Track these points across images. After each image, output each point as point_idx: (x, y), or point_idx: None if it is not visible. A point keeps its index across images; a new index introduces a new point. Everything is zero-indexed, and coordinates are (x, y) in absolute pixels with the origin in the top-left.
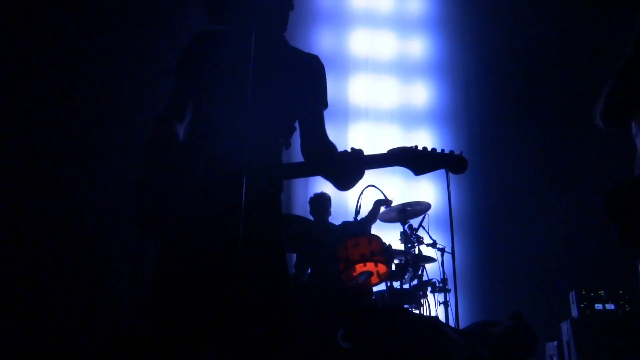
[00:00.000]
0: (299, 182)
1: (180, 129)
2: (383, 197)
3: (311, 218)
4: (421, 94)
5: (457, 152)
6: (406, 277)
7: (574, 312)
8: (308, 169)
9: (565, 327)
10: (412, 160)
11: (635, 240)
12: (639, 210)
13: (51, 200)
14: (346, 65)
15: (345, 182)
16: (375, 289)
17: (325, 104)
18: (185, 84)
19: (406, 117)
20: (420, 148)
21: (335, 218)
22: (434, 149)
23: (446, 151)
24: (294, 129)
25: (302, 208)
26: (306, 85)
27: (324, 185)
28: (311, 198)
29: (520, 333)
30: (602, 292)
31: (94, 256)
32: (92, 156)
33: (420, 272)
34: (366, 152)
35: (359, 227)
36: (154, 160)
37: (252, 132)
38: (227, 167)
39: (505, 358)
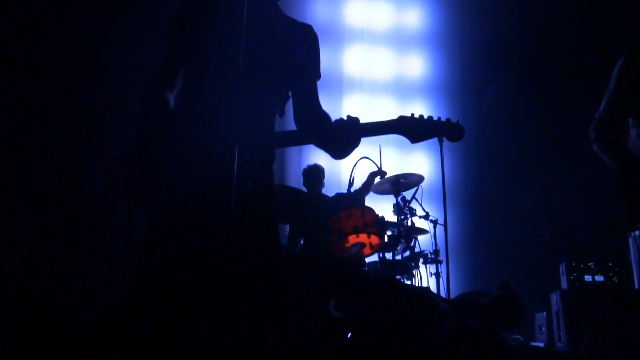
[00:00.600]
0: (292, 153)
1: (171, 97)
2: (377, 169)
3: (304, 189)
4: (416, 65)
5: (448, 117)
6: (399, 248)
7: (564, 284)
8: (303, 137)
9: (554, 298)
10: (409, 128)
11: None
12: None
13: (42, 174)
14: (341, 36)
15: (340, 150)
16: (367, 260)
17: (318, 75)
18: (175, 50)
19: (401, 88)
20: (416, 115)
21: (329, 189)
22: (430, 117)
23: (442, 118)
24: (288, 97)
25: (295, 179)
26: (299, 55)
27: (317, 157)
28: (305, 169)
29: (508, 302)
30: (591, 264)
31: (85, 227)
32: (82, 126)
33: (412, 244)
34: (358, 118)
35: (353, 199)
36: (144, 128)
37: (244, 100)
38: (218, 135)
39: (494, 327)
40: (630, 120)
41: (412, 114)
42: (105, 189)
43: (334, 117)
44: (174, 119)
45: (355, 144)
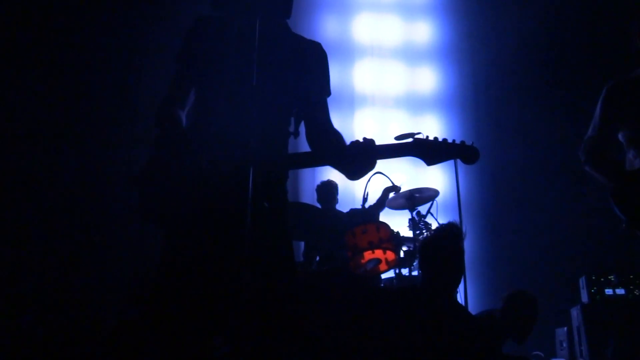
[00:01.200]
0: (305, 170)
1: (183, 115)
2: (391, 184)
3: (318, 206)
4: (428, 79)
5: (465, 140)
6: (415, 264)
7: (584, 298)
8: (318, 159)
9: (575, 312)
10: (424, 150)
11: (637, 227)
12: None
13: (56, 189)
14: (351, 52)
15: (355, 172)
16: (383, 276)
17: (328, 92)
18: (187, 68)
19: (413, 103)
20: (431, 138)
21: (343, 205)
22: (445, 139)
23: (457, 141)
24: (301, 117)
25: (309, 196)
26: (309, 73)
27: (330, 173)
28: (318, 186)
29: (519, 299)
30: (612, 277)
31: (98, 245)
32: (97, 146)
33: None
34: (374, 140)
35: (367, 215)
36: (159, 147)
37: (257, 121)
38: (232, 156)
39: (512, 324)
40: (623, 142)
41: (427, 136)
42: (119, 201)
43: (345, 132)
44: (188, 138)
45: (370, 166)
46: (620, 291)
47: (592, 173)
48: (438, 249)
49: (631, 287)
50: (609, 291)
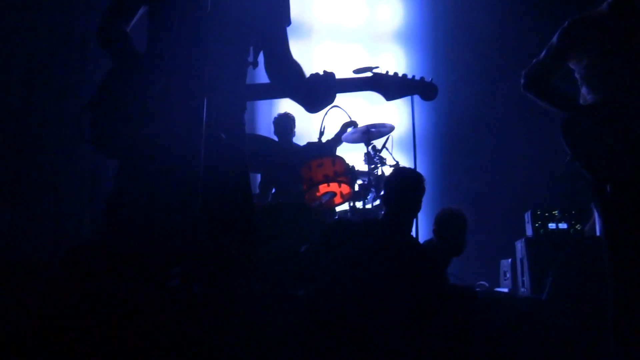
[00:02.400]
0: (263, 102)
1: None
2: (348, 119)
3: (275, 138)
4: (388, 13)
5: (423, 75)
6: (369, 197)
7: (529, 231)
8: (277, 90)
9: (519, 245)
10: (384, 86)
11: (585, 164)
12: (589, 137)
13: (8, 119)
14: None
15: (315, 104)
16: (338, 209)
17: (288, 22)
18: None
19: (372, 36)
20: (391, 73)
21: (300, 139)
22: (404, 75)
23: (417, 77)
24: (260, 47)
25: (266, 128)
26: (269, 1)
27: (289, 105)
28: (275, 118)
29: (446, 215)
30: (555, 212)
31: (52, 173)
32: (47, 70)
33: (382, 193)
34: (334, 73)
35: (324, 148)
36: (110, 75)
37: (214, 50)
38: (188, 86)
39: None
40: (577, 76)
41: (387, 71)
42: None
43: (303, 65)
44: (141, 65)
45: (330, 99)
46: (563, 225)
47: (536, 98)
48: (405, 187)
49: (573, 222)
50: (552, 225)
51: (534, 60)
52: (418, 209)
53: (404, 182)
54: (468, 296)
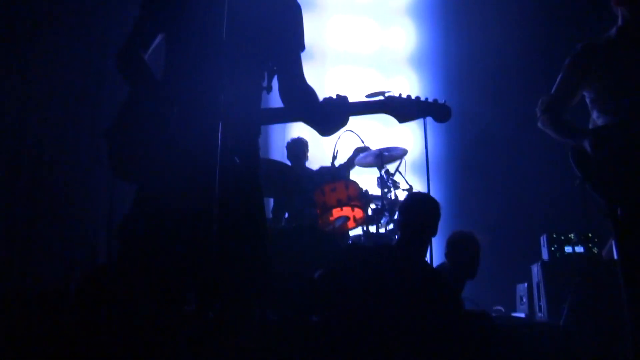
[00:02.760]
0: (276, 126)
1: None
2: (361, 143)
3: (288, 163)
4: (400, 38)
5: (435, 98)
6: (382, 221)
7: (545, 255)
8: (291, 114)
9: (535, 269)
10: (396, 108)
11: (595, 187)
12: (599, 159)
13: (24, 143)
14: (325, 7)
15: (328, 128)
16: (351, 233)
17: (302, 47)
18: (152, 13)
19: (385, 61)
20: (404, 95)
21: (313, 163)
22: (417, 97)
23: (429, 99)
24: (275, 72)
25: (279, 152)
26: (283, 26)
27: (301, 130)
28: (288, 143)
29: (457, 238)
30: (572, 235)
31: (69, 199)
32: (65, 101)
33: (396, 217)
34: (347, 96)
35: (337, 173)
36: (128, 102)
37: (229, 74)
38: (202, 110)
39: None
40: (588, 101)
41: (400, 94)
42: (88, 161)
43: (316, 89)
44: (158, 91)
45: (343, 122)
46: (579, 249)
47: (546, 128)
48: (420, 213)
49: (590, 244)
50: (568, 249)
51: (549, 95)
52: (433, 234)
53: (419, 208)
54: (484, 322)
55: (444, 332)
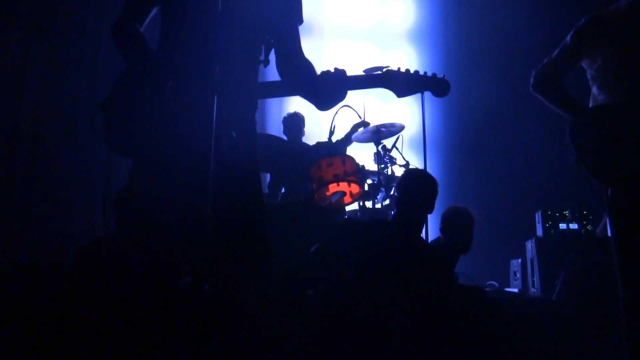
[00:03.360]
0: (273, 101)
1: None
2: (360, 120)
3: (285, 138)
4: (399, 11)
5: (434, 72)
6: (379, 197)
7: (539, 231)
8: (289, 88)
9: (529, 245)
10: (395, 82)
11: (588, 166)
12: (594, 139)
13: (20, 116)
14: None
15: (326, 102)
16: (348, 208)
17: (300, 20)
18: None
19: (383, 35)
20: (402, 70)
21: (309, 138)
22: (416, 72)
23: (428, 73)
24: (272, 45)
25: (276, 127)
26: None
27: (298, 105)
28: (285, 118)
29: (452, 213)
30: (566, 212)
31: (66, 172)
32: (61, 73)
33: (392, 192)
34: (345, 70)
35: (334, 148)
36: (123, 76)
37: (225, 46)
38: (198, 82)
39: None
40: (588, 77)
41: (399, 68)
42: (85, 134)
43: (314, 63)
44: (153, 64)
45: (341, 97)
46: (573, 226)
47: (544, 99)
48: (417, 190)
49: (584, 222)
50: (563, 226)
51: (546, 60)
52: (430, 211)
53: (416, 185)
54: (477, 296)
55: (437, 307)
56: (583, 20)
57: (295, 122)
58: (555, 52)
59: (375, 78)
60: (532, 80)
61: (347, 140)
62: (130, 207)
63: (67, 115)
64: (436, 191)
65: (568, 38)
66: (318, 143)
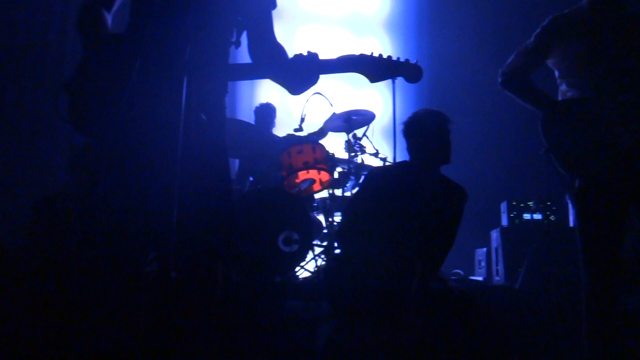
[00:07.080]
0: (244, 87)
1: (108, 16)
2: (330, 106)
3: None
4: (374, 2)
5: (407, 58)
6: (348, 185)
7: (504, 221)
8: (260, 71)
9: (494, 234)
10: (369, 66)
11: (558, 156)
12: (564, 131)
13: None
14: None
15: (298, 85)
16: (317, 196)
17: (274, 4)
18: None
19: (356, 24)
20: (375, 54)
21: (280, 126)
22: (389, 56)
23: (401, 59)
24: (243, 27)
25: (247, 114)
26: None
27: (270, 95)
28: (257, 107)
29: None
30: (531, 203)
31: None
32: (25, 53)
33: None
34: (317, 53)
35: (306, 141)
36: (87, 55)
37: (196, 29)
38: (167, 63)
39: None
40: (556, 75)
41: (372, 53)
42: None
43: (286, 48)
44: (119, 45)
45: (314, 80)
46: (537, 216)
47: (515, 96)
48: (430, 132)
49: (548, 212)
50: (527, 216)
51: (511, 58)
52: (446, 161)
53: (427, 125)
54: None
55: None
56: (549, 18)
57: (266, 113)
58: (522, 51)
59: (348, 62)
60: (500, 78)
61: (320, 133)
62: (93, 192)
63: (30, 93)
64: (447, 130)
65: (534, 37)
66: (289, 135)
